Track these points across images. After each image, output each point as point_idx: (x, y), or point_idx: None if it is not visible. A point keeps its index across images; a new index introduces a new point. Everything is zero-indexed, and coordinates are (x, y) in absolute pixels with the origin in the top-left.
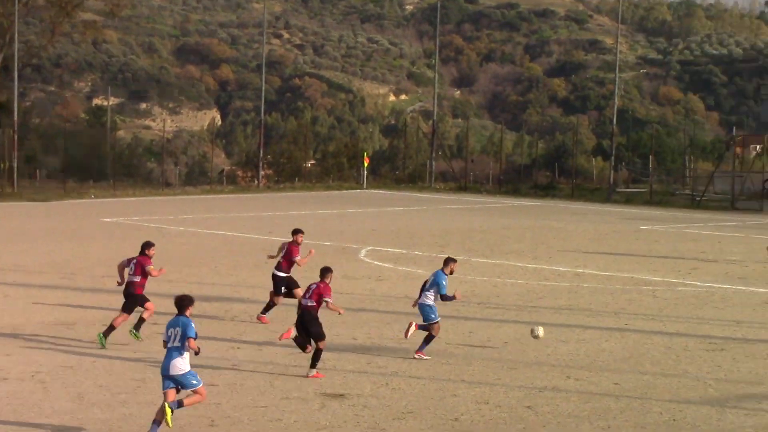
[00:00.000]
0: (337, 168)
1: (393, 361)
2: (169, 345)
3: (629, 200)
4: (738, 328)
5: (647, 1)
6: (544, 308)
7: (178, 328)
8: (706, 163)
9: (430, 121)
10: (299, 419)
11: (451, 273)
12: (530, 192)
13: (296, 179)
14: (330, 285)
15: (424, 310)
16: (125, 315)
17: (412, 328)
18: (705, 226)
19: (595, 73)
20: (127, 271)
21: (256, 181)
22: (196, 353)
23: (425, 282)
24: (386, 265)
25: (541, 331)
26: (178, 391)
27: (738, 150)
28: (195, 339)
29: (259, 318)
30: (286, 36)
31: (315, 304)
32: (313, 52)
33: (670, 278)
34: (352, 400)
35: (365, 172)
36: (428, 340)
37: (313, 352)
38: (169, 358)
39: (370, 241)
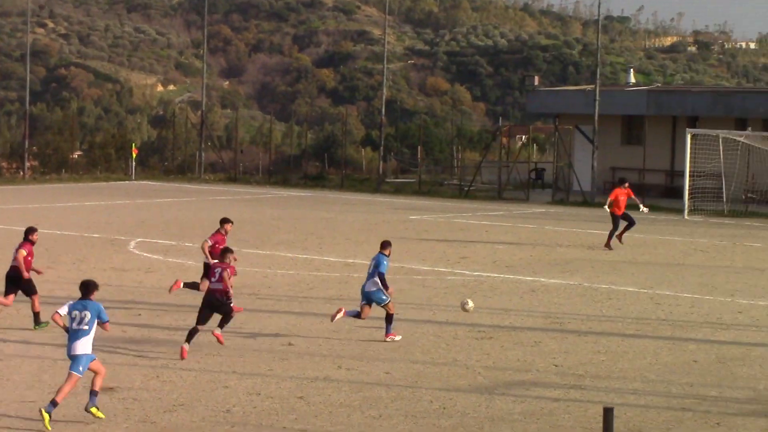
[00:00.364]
0: (104, 159)
1: (163, 353)
2: (75, 327)
3: (399, 190)
4: (506, 316)
5: None
6: (315, 299)
7: (86, 311)
8: (474, 153)
9: (199, 112)
10: (68, 413)
11: (388, 255)
12: (300, 182)
13: (63, 170)
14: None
15: (375, 295)
16: None
17: (341, 314)
18: (473, 216)
19: (363, 63)
20: None
21: (22, 173)
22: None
23: (369, 268)
24: (156, 256)
25: (470, 304)
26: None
27: (504, 140)
28: (109, 323)
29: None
30: (51, 25)
31: (222, 286)
32: (78, 42)
33: (439, 267)
34: (122, 393)
35: (133, 163)
36: (390, 319)
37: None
38: (74, 339)
39: (139, 232)
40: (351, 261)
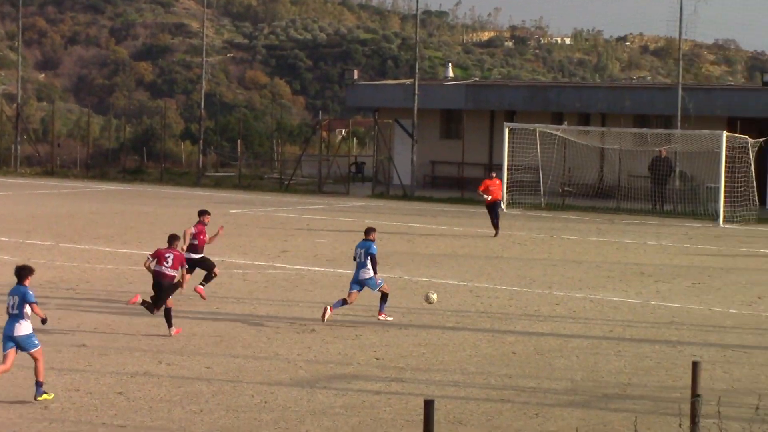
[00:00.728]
0: None
1: None
2: (11, 312)
3: (219, 184)
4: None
5: None
6: (135, 293)
7: (16, 297)
8: (294, 146)
9: (14, 105)
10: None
11: (374, 240)
12: (119, 176)
13: None
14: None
15: (370, 282)
16: None
17: (329, 313)
18: (294, 210)
19: (182, 56)
20: None
21: None
22: (43, 321)
23: (356, 257)
24: None
25: (434, 297)
26: (16, 352)
27: (324, 134)
28: (36, 304)
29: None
30: None
31: (174, 272)
32: None
33: (260, 261)
34: None
35: None
36: (384, 299)
37: (164, 312)
38: (12, 323)
39: None
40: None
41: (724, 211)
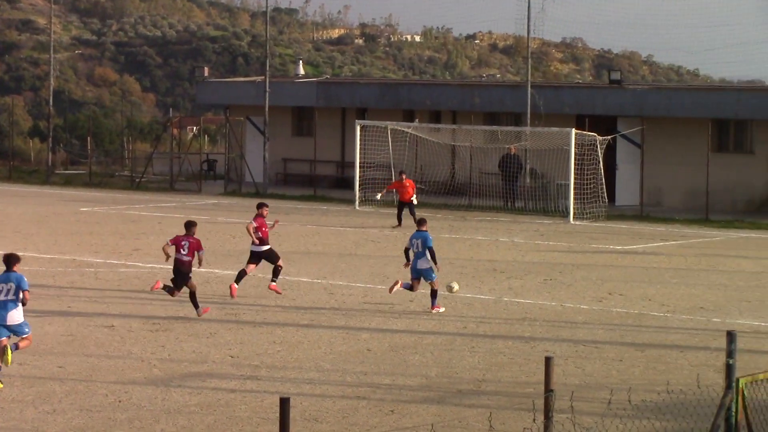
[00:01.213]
0: None
1: None
2: (3, 298)
3: (69, 182)
4: (180, 307)
5: None
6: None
7: (11, 283)
8: (145, 144)
9: None
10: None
11: (426, 230)
12: None
13: None
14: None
15: (427, 272)
16: None
17: (398, 285)
18: (146, 207)
19: (29, 53)
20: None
21: None
22: (24, 304)
23: (410, 248)
24: None
25: (456, 286)
26: (9, 338)
27: (175, 131)
28: (28, 291)
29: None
30: None
31: (191, 258)
32: None
33: (112, 260)
34: None
35: None
36: (434, 294)
37: (189, 294)
38: (5, 310)
39: None
40: (21, 254)
41: (574, 208)
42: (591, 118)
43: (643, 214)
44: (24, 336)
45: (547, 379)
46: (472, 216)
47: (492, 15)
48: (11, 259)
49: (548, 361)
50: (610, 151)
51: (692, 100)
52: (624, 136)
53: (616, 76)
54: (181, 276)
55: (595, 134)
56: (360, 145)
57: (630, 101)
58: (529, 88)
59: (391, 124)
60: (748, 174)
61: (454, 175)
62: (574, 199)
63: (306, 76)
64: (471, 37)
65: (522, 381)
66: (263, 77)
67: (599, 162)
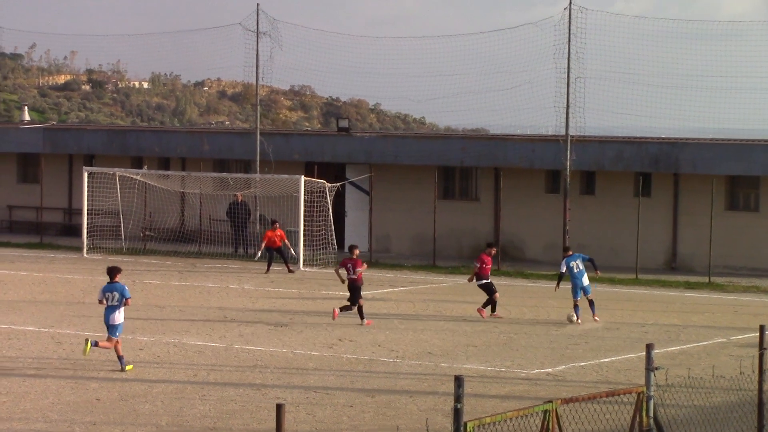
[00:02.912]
0: None
1: None
2: (109, 303)
3: None
4: None
5: None
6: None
7: (115, 292)
8: None
9: None
10: None
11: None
12: None
13: None
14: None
15: (588, 288)
16: None
17: (575, 317)
18: None
19: None
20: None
21: None
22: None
23: (572, 268)
24: None
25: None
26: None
27: None
28: (130, 299)
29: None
30: None
31: (357, 276)
32: None
33: None
34: None
35: None
36: (593, 303)
37: (357, 309)
38: (109, 312)
39: None
40: None
41: (304, 255)
42: (320, 165)
43: (371, 260)
44: (112, 337)
45: (278, 427)
46: (202, 263)
47: (220, 62)
48: (114, 271)
49: (279, 408)
50: (340, 198)
51: (419, 147)
52: (353, 183)
53: (344, 123)
54: (354, 291)
55: (324, 181)
56: (88, 191)
57: (358, 148)
58: (258, 136)
59: (119, 171)
60: (473, 220)
61: (184, 222)
62: (304, 245)
63: (32, 122)
64: (200, 84)
65: (253, 428)
66: None
67: (329, 209)
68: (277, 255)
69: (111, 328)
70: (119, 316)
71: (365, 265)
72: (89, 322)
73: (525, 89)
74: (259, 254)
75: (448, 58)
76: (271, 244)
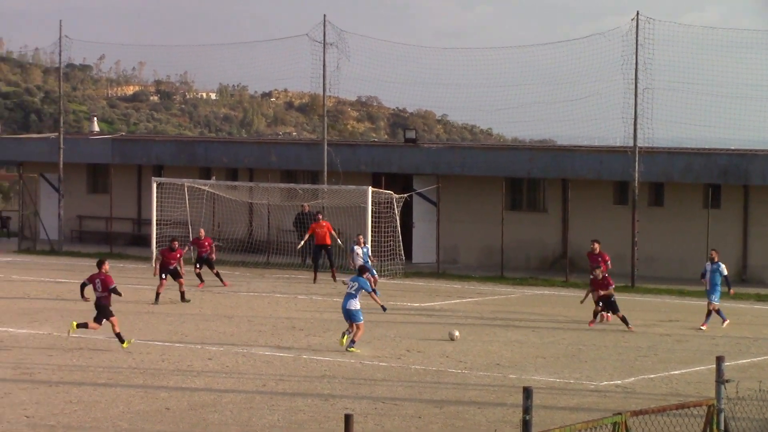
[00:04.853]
0: None
1: None
2: (348, 291)
3: None
4: None
5: None
6: None
7: (356, 283)
8: None
9: None
10: None
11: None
12: None
13: None
14: None
15: (354, 314)
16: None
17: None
18: None
19: None
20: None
21: None
22: (383, 308)
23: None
24: None
25: (457, 334)
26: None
27: None
28: (369, 292)
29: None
30: None
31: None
32: None
33: None
34: None
35: None
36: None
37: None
38: (347, 299)
39: None
40: None
41: (371, 266)
42: (387, 176)
43: (439, 271)
44: (358, 324)
45: None
46: (270, 273)
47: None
48: (362, 270)
49: (348, 418)
50: (407, 209)
51: (486, 158)
52: (420, 194)
53: (411, 134)
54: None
55: (392, 192)
56: (156, 202)
57: (425, 160)
58: (326, 146)
59: (187, 182)
60: (541, 232)
61: (252, 233)
62: (372, 256)
63: (101, 132)
64: (267, 95)
65: None
66: (57, 134)
67: (396, 220)
68: (325, 258)
69: (351, 315)
70: (355, 303)
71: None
72: (158, 332)
73: (593, 100)
74: (302, 243)
75: (516, 69)
76: (320, 240)
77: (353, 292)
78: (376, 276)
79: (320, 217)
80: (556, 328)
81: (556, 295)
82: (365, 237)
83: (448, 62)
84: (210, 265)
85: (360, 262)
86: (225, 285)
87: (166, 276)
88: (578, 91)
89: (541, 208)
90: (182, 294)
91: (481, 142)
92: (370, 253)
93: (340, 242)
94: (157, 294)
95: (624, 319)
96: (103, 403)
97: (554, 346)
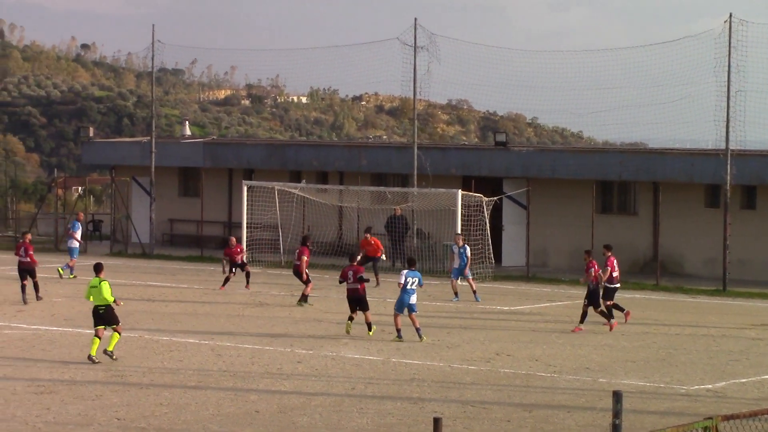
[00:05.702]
0: None
1: None
2: (408, 288)
3: None
4: (66, 369)
5: None
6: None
7: (415, 278)
8: (29, 204)
9: None
10: None
11: None
12: None
13: None
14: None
15: (413, 306)
16: None
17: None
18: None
19: None
20: None
21: None
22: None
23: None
24: None
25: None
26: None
27: (60, 192)
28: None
29: None
30: None
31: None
32: None
33: None
34: None
35: None
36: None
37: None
38: (409, 294)
39: None
40: None
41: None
42: (477, 179)
43: (529, 274)
44: (414, 312)
45: None
46: None
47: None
48: (412, 261)
49: (437, 422)
50: (497, 212)
51: (576, 161)
52: (510, 197)
53: (501, 138)
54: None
55: (482, 195)
56: (247, 205)
57: (515, 162)
58: (416, 150)
59: (278, 185)
60: (631, 235)
61: (342, 236)
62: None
63: (192, 136)
64: (357, 99)
65: None
66: (149, 138)
67: (486, 223)
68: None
69: (410, 308)
70: (415, 298)
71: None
72: (248, 335)
73: (685, 103)
74: (358, 258)
75: (607, 72)
76: (371, 254)
77: (414, 288)
78: (470, 278)
79: (368, 236)
80: (646, 332)
81: (647, 299)
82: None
83: (540, 65)
84: (242, 267)
85: (457, 261)
86: (247, 288)
87: (234, 270)
88: (671, 93)
89: (631, 211)
90: (247, 277)
91: (572, 145)
92: (468, 253)
93: (384, 257)
94: (226, 280)
95: (603, 314)
96: (193, 405)
97: (644, 350)
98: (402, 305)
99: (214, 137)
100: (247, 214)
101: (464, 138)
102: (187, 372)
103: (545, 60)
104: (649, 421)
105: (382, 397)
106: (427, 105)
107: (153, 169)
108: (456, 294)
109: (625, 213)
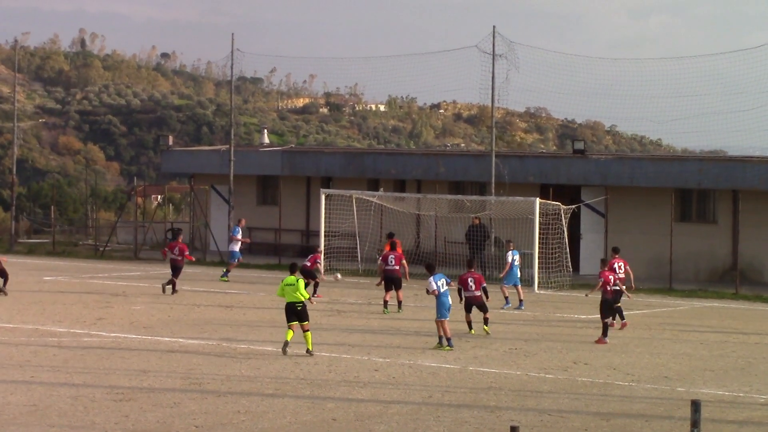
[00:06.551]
0: None
1: None
2: (442, 291)
3: (32, 251)
4: (145, 377)
5: (43, 50)
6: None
7: (442, 279)
8: (109, 213)
9: None
10: None
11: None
12: None
13: None
14: None
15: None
16: None
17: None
18: (109, 276)
19: None
20: None
21: None
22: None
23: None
24: None
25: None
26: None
27: (139, 200)
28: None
29: None
30: None
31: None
32: None
33: (75, 329)
34: None
35: None
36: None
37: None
38: (446, 296)
39: None
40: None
41: (538, 277)
42: (555, 188)
43: None
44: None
45: None
46: None
47: (456, 85)
48: (430, 267)
49: (514, 430)
50: (575, 220)
51: (655, 169)
52: (588, 206)
53: (579, 145)
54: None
55: (559, 203)
56: (325, 213)
57: (594, 171)
58: (494, 158)
59: (356, 193)
60: (711, 243)
61: (419, 244)
62: (539, 268)
63: (271, 144)
64: (435, 107)
65: None
66: (228, 146)
67: (563, 231)
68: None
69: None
70: (449, 302)
71: None
72: (324, 344)
73: (765, 110)
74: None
75: (688, 79)
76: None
77: (447, 289)
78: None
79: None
80: (725, 341)
81: (726, 308)
82: (532, 248)
83: (619, 73)
84: (313, 276)
85: (507, 268)
86: (319, 296)
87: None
88: (750, 101)
89: (711, 219)
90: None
91: (650, 153)
92: (518, 261)
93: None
94: (316, 285)
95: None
96: (270, 413)
97: (723, 359)
98: (445, 309)
99: (293, 145)
100: (325, 222)
101: (542, 146)
102: (265, 380)
103: (624, 67)
104: (728, 431)
105: (458, 406)
106: (505, 113)
107: (232, 178)
108: (507, 300)
109: (704, 221)
